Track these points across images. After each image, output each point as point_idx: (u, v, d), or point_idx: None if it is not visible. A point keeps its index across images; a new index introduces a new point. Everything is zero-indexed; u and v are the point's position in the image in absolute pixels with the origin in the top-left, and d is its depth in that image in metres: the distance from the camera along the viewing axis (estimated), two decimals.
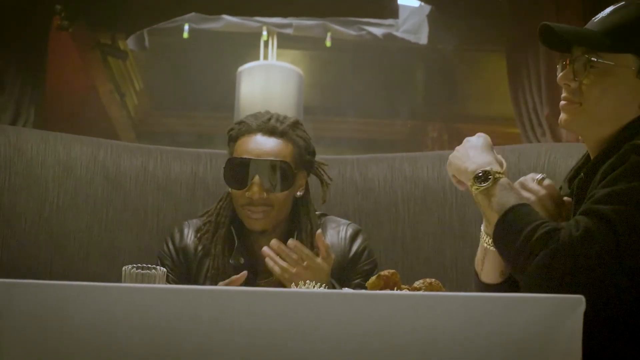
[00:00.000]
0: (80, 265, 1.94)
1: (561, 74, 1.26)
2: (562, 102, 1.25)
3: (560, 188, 1.31)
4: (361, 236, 1.78)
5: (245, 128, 1.69)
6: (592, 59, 1.21)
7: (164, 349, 0.97)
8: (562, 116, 1.27)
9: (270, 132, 1.67)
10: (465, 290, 1.45)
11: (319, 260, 1.57)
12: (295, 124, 1.72)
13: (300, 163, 1.69)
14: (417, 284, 1.23)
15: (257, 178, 1.62)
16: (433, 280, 1.24)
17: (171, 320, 0.97)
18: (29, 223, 1.97)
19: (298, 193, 1.72)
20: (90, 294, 1.00)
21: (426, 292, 1.20)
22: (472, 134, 2.31)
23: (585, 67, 1.22)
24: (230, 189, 1.73)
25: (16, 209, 2.02)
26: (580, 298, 0.98)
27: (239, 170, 1.66)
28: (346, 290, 1.50)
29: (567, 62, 1.26)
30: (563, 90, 1.27)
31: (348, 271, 1.72)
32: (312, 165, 1.74)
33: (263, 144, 1.66)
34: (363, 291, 1.31)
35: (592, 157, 1.26)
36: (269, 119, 1.69)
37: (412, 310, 0.99)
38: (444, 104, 4.75)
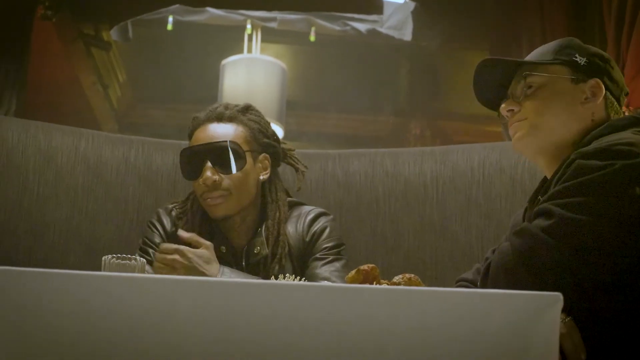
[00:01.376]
0: (59, 255, 1.92)
1: (504, 105, 1.35)
2: (512, 129, 1.34)
3: (525, 209, 1.38)
4: (323, 218, 1.78)
5: (196, 122, 1.68)
6: (528, 72, 1.32)
7: (141, 338, 0.97)
8: (514, 137, 1.35)
9: (219, 118, 1.67)
10: (445, 286, 1.39)
11: (197, 250, 1.53)
12: (246, 109, 1.71)
13: (256, 145, 1.68)
14: (396, 279, 1.23)
15: (208, 163, 1.61)
16: (412, 275, 1.24)
17: (150, 310, 0.97)
18: (8, 212, 1.94)
19: (261, 177, 1.70)
20: (70, 282, 1.00)
21: (405, 287, 1.19)
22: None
23: (523, 88, 1.33)
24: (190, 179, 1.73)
25: None
26: (558, 295, 0.98)
27: (192, 161, 1.65)
28: (325, 283, 1.57)
29: (512, 92, 1.36)
30: (510, 120, 1.36)
31: (308, 253, 1.73)
32: (272, 148, 1.73)
33: (213, 131, 1.66)
34: (342, 284, 1.39)
35: (548, 179, 1.32)
36: (217, 108, 1.69)
37: (390, 304, 0.99)
38: (426, 101, 4.73)
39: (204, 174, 1.61)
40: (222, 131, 1.68)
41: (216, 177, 1.62)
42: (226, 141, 1.64)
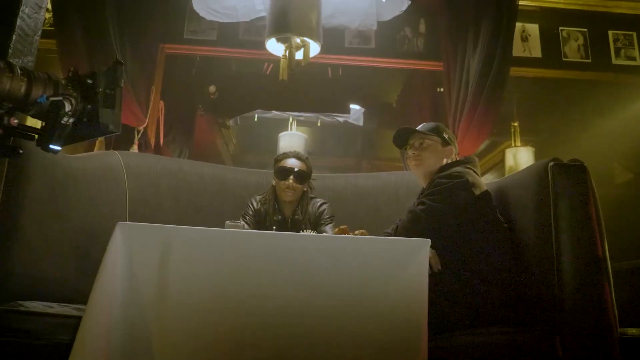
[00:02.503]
0: (190, 222, 2.03)
1: (410, 150, 2.07)
2: (413, 162, 2.11)
3: (414, 202, 2.00)
4: (324, 205, 2.52)
5: (284, 156, 2.48)
6: (427, 139, 2.06)
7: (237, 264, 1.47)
8: (412, 166, 2.12)
9: (297, 157, 2.48)
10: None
11: None
12: (307, 156, 2.52)
13: (308, 174, 2.47)
14: (356, 232, 1.93)
15: (291, 176, 2.40)
16: (363, 230, 1.97)
17: (246, 248, 1.51)
18: (162, 212, 2.51)
19: (305, 188, 2.48)
20: (196, 234, 1.53)
21: (347, 235, 1.90)
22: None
23: (421, 143, 2.07)
24: (275, 182, 2.44)
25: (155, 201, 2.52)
26: (427, 240, 1.49)
27: (284, 173, 2.41)
28: (325, 234, 2.27)
29: (412, 144, 2.08)
30: (410, 157, 2.08)
31: (317, 221, 2.47)
32: (310, 176, 2.47)
33: (294, 163, 2.45)
34: (331, 234, 2.12)
35: (424, 187, 2.02)
36: (293, 152, 2.52)
37: (338, 243, 1.57)
38: (368, 151, 6.72)
39: (288, 180, 2.40)
40: (298, 164, 2.45)
41: (294, 184, 2.41)
42: (302, 170, 2.43)
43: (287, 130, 5.44)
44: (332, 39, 3.71)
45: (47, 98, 1.03)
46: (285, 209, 2.46)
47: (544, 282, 1.72)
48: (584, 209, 1.68)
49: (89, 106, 1.09)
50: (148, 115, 3.74)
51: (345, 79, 5.09)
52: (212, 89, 5.32)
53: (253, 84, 5.14)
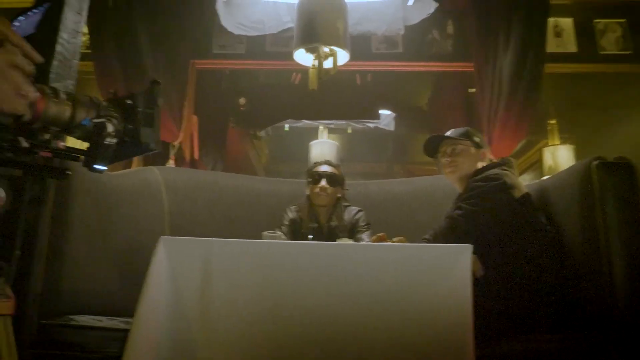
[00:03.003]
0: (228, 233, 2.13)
1: (443, 159, 2.08)
2: (447, 169, 2.10)
3: (451, 207, 2.01)
4: (360, 212, 2.55)
5: (317, 164, 2.58)
6: (459, 144, 2.07)
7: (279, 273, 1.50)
8: (447, 172, 2.11)
9: (328, 164, 2.57)
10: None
11: None
12: (337, 164, 2.61)
13: (340, 178, 2.56)
14: (395, 239, 1.86)
15: (324, 179, 2.49)
16: (402, 237, 1.90)
17: (284, 258, 1.52)
18: (200, 225, 2.56)
19: (338, 194, 2.54)
20: (235, 245, 1.54)
21: (386, 243, 1.87)
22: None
23: (453, 149, 2.07)
24: (309, 188, 2.53)
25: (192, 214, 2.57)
26: (469, 246, 1.45)
27: (316, 177, 2.49)
28: (362, 242, 2.25)
29: (445, 150, 2.07)
30: (444, 165, 2.08)
31: (355, 229, 2.50)
32: (344, 183, 2.53)
33: (325, 168, 2.54)
34: (369, 243, 2.10)
35: (460, 193, 2.01)
36: (326, 160, 2.61)
37: (378, 252, 1.54)
38: (400, 156, 6.59)
39: (320, 183, 2.49)
40: (329, 168, 2.55)
41: (327, 186, 2.49)
42: (334, 173, 2.52)
43: (317, 138, 5.35)
44: (359, 45, 3.65)
45: (91, 120, 1.05)
46: (321, 215, 2.50)
47: (594, 286, 1.68)
48: (634, 209, 1.62)
49: (130, 126, 1.11)
50: (182, 130, 3.80)
51: (374, 84, 5.05)
52: (241, 101, 5.39)
53: (282, 94, 5.18)
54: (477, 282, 1.63)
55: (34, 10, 1.12)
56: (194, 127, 4.08)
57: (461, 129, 2.16)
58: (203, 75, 4.33)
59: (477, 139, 2.13)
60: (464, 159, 2.10)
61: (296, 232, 2.51)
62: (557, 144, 4.60)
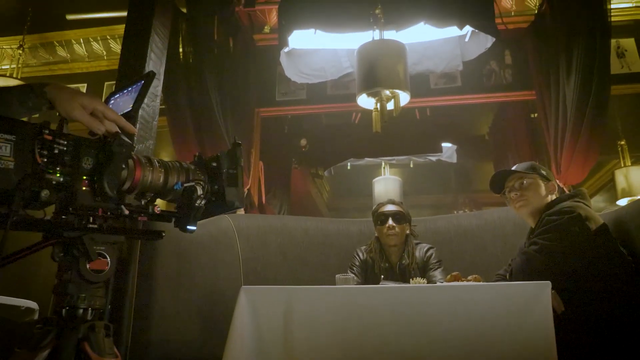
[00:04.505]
0: (294, 280, 2.45)
1: (511, 194, 2.03)
2: (517, 203, 2.04)
3: (525, 243, 1.97)
4: (431, 249, 2.53)
5: (382, 205, 2.57)
6: (526, 178, 2.02)
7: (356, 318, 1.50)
8: (517, 207, 2.06)
9: (392, 202, 2.59)
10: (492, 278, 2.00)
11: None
12: (400, 201, 2.59)
13: (406, 215, 2.54)
14: (469, 277, 1.85)
15: (390, 219, 2.49)
16: (476, 276, 1.89)
17: (359, 303, 1.51)
18: (272, 269, 2.62)
19: (407, 231, 2.53)
20: (313, 292, 1.54)
21: (463, 283, 1.82)
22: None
23: (521, 183, 2.03)
24: (377, 230, 2.52)
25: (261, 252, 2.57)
26: (547, 283, 1.38)
27: (383, 218, 2.51)
28: (438, 283, 2.12)
29: (512, 185, 2.03)
30: (513, 200, 2.01)
31: (426, 265, 2.48)
32: (410, 219, 2.51)
33: (390, 207, 2.55)
34: (443, 283, 1.96)
35: (532, 227, 1.96)
36: (390, 200, 2.61)
37: (455, 293, 1.52)
38: (464, 186, 6.67)
39: (388, 223, 2.47)
40: (393, 207, 2.54)
41: (395, 224, 2.48)
42: (399, 211, 2.52)
43: (379, 173, 5.53)
44: (418, 83, 3.72)
45: (182, 184, 1.15)
46: (392, 255, 2.49)
47: None
48: None
49: (215, 186, 1.20)
50: (250, 177, 3.88)
51: (433, 118, 5.11)
52: (303, 142, 5.54)
53: (343, 134, 5.29)
54: (556, 319, 1.59)
55: (129, 89, 1.24)
56: (260, 172, 4.19)
57: (526, 163, 2.14)
58: (267, 122, 4.53)
59: (544, 172, 2.10)
60: (533, 192, 2.05)
61: (367, 273, 2.50)
62: (629, 165, 4.51)
